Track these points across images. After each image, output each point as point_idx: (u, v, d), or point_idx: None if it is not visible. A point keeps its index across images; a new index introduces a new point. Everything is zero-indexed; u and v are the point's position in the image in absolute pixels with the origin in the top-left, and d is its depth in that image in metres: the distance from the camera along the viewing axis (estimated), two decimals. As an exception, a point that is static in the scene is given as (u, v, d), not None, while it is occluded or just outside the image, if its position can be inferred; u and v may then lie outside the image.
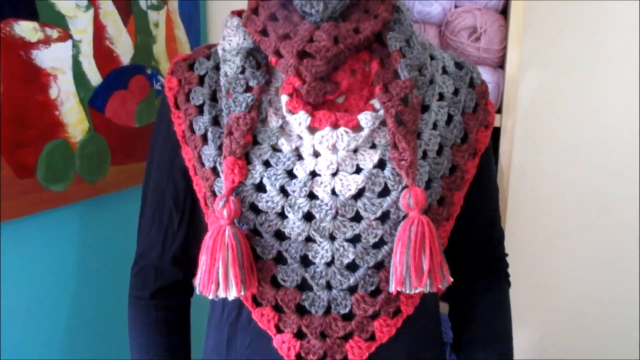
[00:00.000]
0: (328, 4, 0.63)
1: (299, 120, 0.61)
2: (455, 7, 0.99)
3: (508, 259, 0.81)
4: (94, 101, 1.00)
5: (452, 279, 0.61)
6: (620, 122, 1.19)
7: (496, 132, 0.96)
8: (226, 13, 1.35)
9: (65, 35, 0.92)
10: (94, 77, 0.99)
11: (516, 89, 0.95)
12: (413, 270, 0.58)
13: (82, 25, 0.95)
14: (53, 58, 0.90)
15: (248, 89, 0.65)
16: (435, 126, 0.66)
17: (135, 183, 1.09)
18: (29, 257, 0.90)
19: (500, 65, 0.99)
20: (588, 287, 1.26)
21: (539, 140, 1.23)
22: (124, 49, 1.07)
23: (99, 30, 1.00)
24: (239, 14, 0.72)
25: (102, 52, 1.01)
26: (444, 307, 0.83)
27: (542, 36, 1.18)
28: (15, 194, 0.84)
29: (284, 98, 0.63)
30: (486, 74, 0.97)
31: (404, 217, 0.60)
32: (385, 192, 0.61)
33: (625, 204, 1.21)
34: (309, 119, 0.61)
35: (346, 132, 0.61)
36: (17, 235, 0.87)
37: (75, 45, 0.94)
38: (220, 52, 0.70)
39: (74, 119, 0.95)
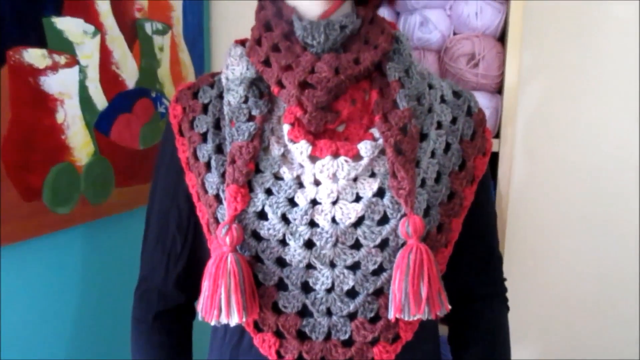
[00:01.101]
0: (329, 36, 0.65)
1: (300, 150, 0.63)
2: (454, 34, 1.02)
3: (507, 283, 0.82)
4: (100, 124, 1.01)
5: (450, 306, 0.62)
6: (619, 145, 1.20)
7: (495, 157, 0.97)
8: (229, 36, 1.38)
9: (73, 61, 0.94)
10: (100, 101, 1.01)
11: (514, 113, 0.97)
12: (412, 298, 0.59)
13: (88, 51, 0.98)
14: (60, 83, 0.92)
15: (251, 118, 0.66)
16: (433, 154, 0.67)
17: (139, 204, 1.11)
18: (33, 280, 0.91)
19: (498, 90, 1.01)
20: (589, 308, 1.27)
21: (537, 164, 1.24)
22: (129, 73, 1.09)
23: (105, 55, 1.02)
24: (242, 42, 0.74)
25: (108, 76, 1.03)
26: (443, 330, 0.84)
27: (540, 62, 1.19)
28: (21, 216, 0.86)
29: (286, 127, 0.65)
30: (484, 99, 0.98)
31: (403, 244, 0.62)
32: (384, 220, 0.62)
33: (626, 227, 1.22)
34: (310, 148, 0.63)
35: (346, 161, 0.63)
36: (22, 258, 0.88)
37: (82, 71, 0.96)
38: (224, 80, 0.71)
39: (80, 143, 0.97)
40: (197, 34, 1.32)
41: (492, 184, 0.97)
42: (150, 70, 1.15)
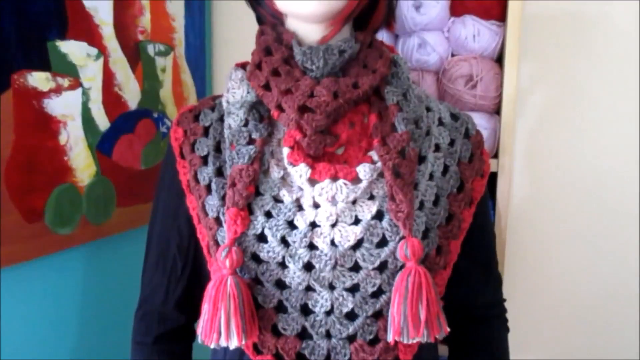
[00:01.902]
0: (328, 60, 0.66)
1: (300, 173, 0.64)
2: (452, 55, 1.03)
3: (507, 302, 0.82)
4: (102, 145, 1.02)
5: (449, 329, 0.62)
6: (619, 162, 1.20)
7: (493, 176, 0.98)
8: (230, 57, 1.40)
9: (76, 84, 0.95)
10: (102, 122, 1.02)
11: (513, 133, 0.98)
12: (410, 321, 0.59)
13: (92, 73, 0.99)
14: (63, 105, 0.93)
15: (251, 141, 0.67)
16: (431, 177, 0.68)
17: (140, 224, 1.11)
18: (34, 301, 0.91)
19: (497, 111, 1.02)
20: (591, 327, 1.26)
21: (536, 183, 1.24)
22: (131, 94, 1.10)
23: (108, 78, 1.03)
24: (242, 66, 0.75)
25: (111, 98, 1.04)
26: (444, 350, 0.84)
27: (537, 82, 1.20)
28: (22, 238, 0.87)
29: (286, 150, 0.66)
30: (482, 120, 0.99)
31: (402, 266, 0.62)
32: (383, 242, 0.63)
33: (627, 244, 1.22)
34: (309, 171, 0.64)
35: (345, 184, 0.63)
36: (23, 280, 0.89)
37: (85, 93, 0.98)
38: (224, 104, 0.72)
39: (82, 164, 0.98)
40: (198, 55, 1.33)
41: (491, 203, 0.97)
42: (153, 91, 1.17)
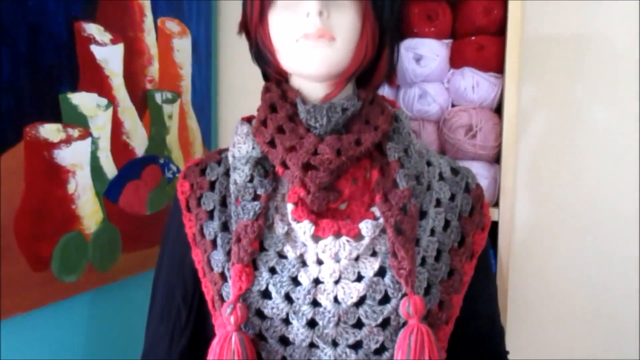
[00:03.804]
0: (331, 118, 0.68)
1: (304, 229, 0.65)
2: (452, 105, 1.05)
3: (511, 354, 0.82)
4: (109, 192, 1.04)
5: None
6: (621, 209, 1.21)
7: (494, 225, 0.99)
8: (235, 103, 1.42)
9: (86, 134, 0.98)
10: (110, 170, 1.04)
11: (513, 183, 0.99)
12: (413, 379, 0.60)
13: (101, 123, 1.01)
14: (73, 155, 0.95)
15: (256, 197, 0.69)
16: (433, 232, 0.69)
17: (145, 269, 1.12)
18: (38, 351, 0.91)
19: (496, 160, 1.04)
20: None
21: (537, 232, 1.25)
22: (139, 142, 1.12)
23: (116, 126, 1.06)
24: (248, 120, 0.78)
25: (119, 146, 1.06)
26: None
27: (536, 133, 1.22)
28: (29, 287, 0.87)
29: (290, 206, 0.67)
30: (483, 169, 1.01)
31: (404, 323, 0.63)
32: (385, 299, 0.64)
33: (629, 289, 1.22)
34: (313, 228, 0.65)
35: (348, 241, 0.65)
36: (27, 328, 0.89)
37: (94, 142, 1.00)
38: (230, 158, 0.74)
39: (89, 211, 0.99)
40: (204, 101, 1.36)
41: (492, 253, 0.98)
42: (159, 137, 1.19)
